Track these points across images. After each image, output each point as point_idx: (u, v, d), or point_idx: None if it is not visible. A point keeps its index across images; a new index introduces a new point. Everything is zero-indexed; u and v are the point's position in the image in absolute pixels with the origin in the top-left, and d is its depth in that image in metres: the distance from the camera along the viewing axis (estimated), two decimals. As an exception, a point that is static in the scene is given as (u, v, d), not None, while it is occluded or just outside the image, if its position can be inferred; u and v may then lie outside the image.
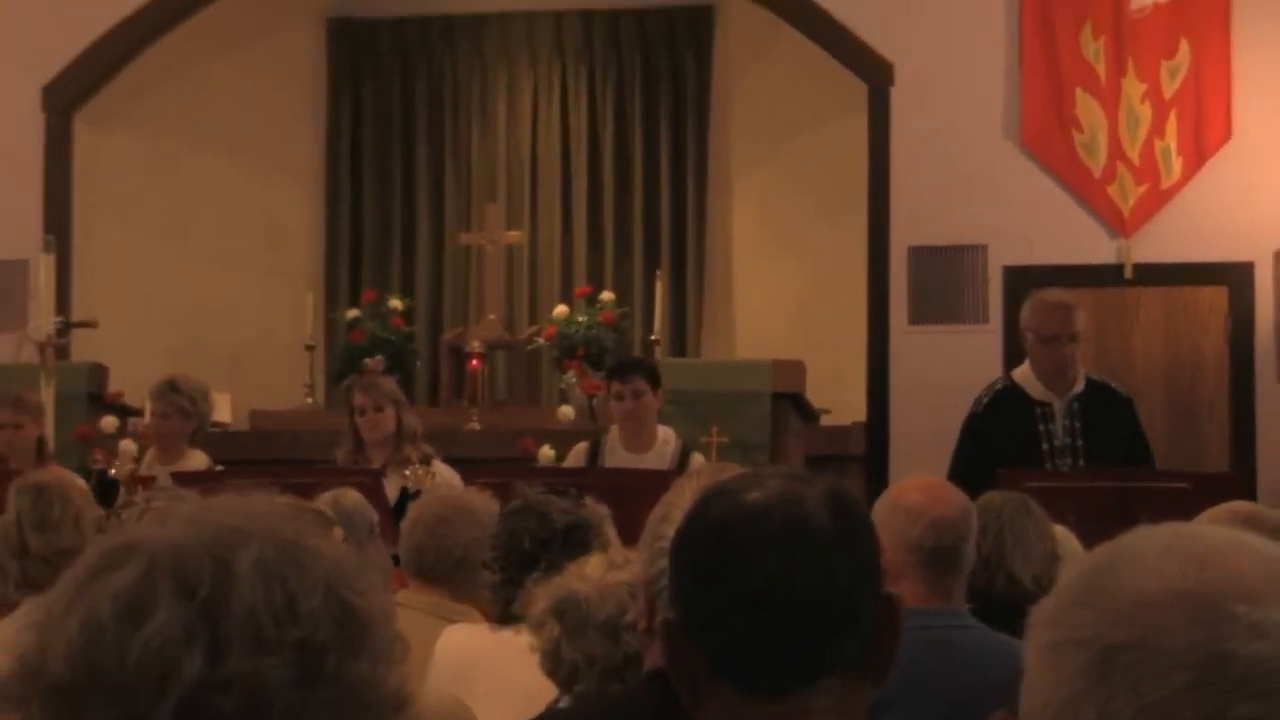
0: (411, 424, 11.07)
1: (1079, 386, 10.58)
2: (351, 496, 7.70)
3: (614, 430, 11.16)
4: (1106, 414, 10.60)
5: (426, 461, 10.74)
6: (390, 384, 11.63)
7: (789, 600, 2.68)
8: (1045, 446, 10.43)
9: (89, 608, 1.79)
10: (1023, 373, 10.73)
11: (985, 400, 10.78)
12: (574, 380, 14.49)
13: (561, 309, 15.17)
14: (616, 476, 10.01)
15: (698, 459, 10.70)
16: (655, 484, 9.21)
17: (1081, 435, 10.45)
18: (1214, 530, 1.65)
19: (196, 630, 1.76)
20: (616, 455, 10.94)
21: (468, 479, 10.45)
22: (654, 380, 11.04)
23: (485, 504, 7.13)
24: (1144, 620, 1.55)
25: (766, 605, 2.68)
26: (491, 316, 15.53)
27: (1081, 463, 10.34)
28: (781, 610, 2.69)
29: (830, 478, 2.96)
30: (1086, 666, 1.56)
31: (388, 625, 1.87)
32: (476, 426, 13.80)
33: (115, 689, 1.75)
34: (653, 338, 14.82)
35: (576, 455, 11.39)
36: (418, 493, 9.97)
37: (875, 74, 14.19)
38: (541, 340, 15.19)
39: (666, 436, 11.08)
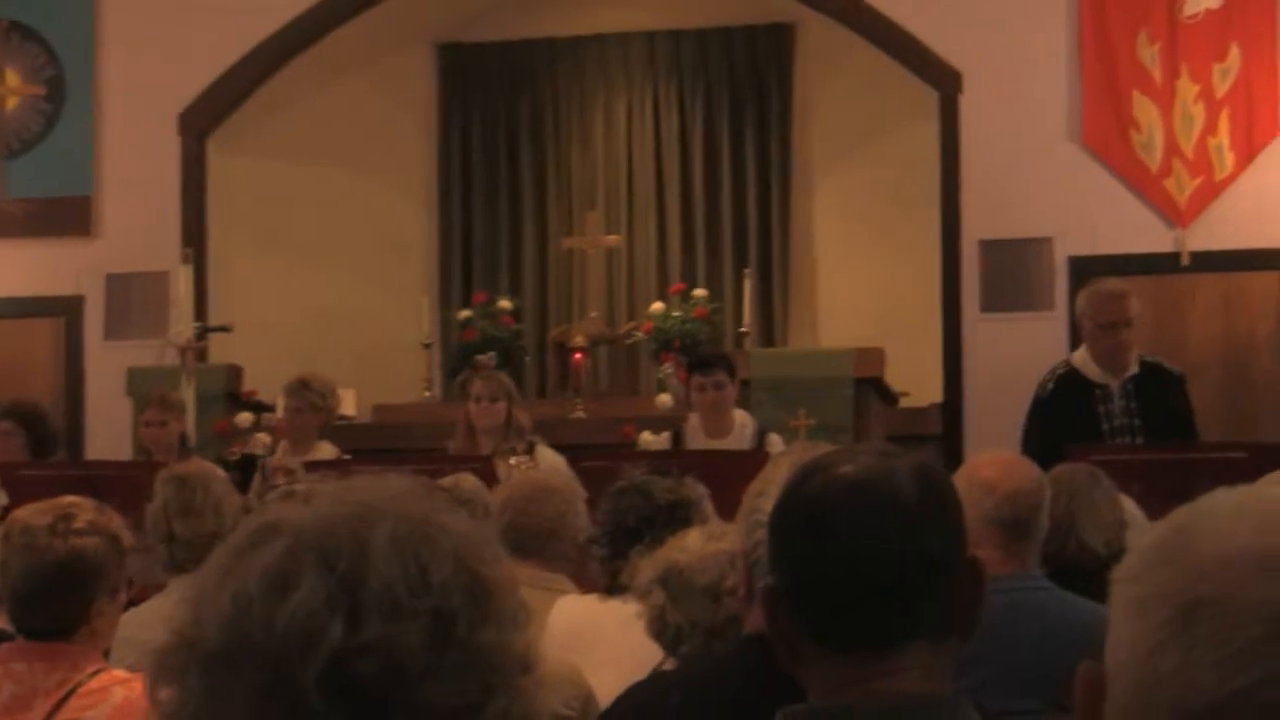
0: (520, 419, 11.16)
1: (1134, 369, 10.57)
2: (470, 481, 7.76)
3: (693, 418, 11.26)
4: (1160, 393, 10.58)
5: (530, 450, 10.80)
6: (506, 380, 11.70)
7: (880, 567, 2.69)
8: (1105, 426, 10.42)
9: (239, 582, 1.80)
10: (1081, 357, 10.73)
11: (1049, 385, 10.76)
12: (670, 371, 14.48)
13: (658, 306, 15.21)
14: (705, 457, 10.03)
15: (774, 439, 10.79)
16: (741, 463, 9.33)
17: (1138, 414, 10.43)
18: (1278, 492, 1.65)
19: (337, 601, 1.77)
20: (698, 440, 11.04)
21: (573, 463, 10.53)
22: (732, 373, 11.16)
23: (568, 483, 7.27)
24: (1221, 577, 1.56)
25: (859, 572, 2.69)
26: (593, 314, 15.56)
27: (1139, 440, 10.31)
28: (873, 577, 2.70)
29: (918, 452, 2.96)
30: (1169, 620, 1.57)
31: (512, 594, 1.88)
32: (581, 415, 13.84)
33: (264, 656, 1.76)
34: (742, 330, 14.78)
35: (660, 444, 11.50)
36: None
37: (945, 82, 14.16)
38: (640, 335, 15.23)
39: (744, 420, 11.15)
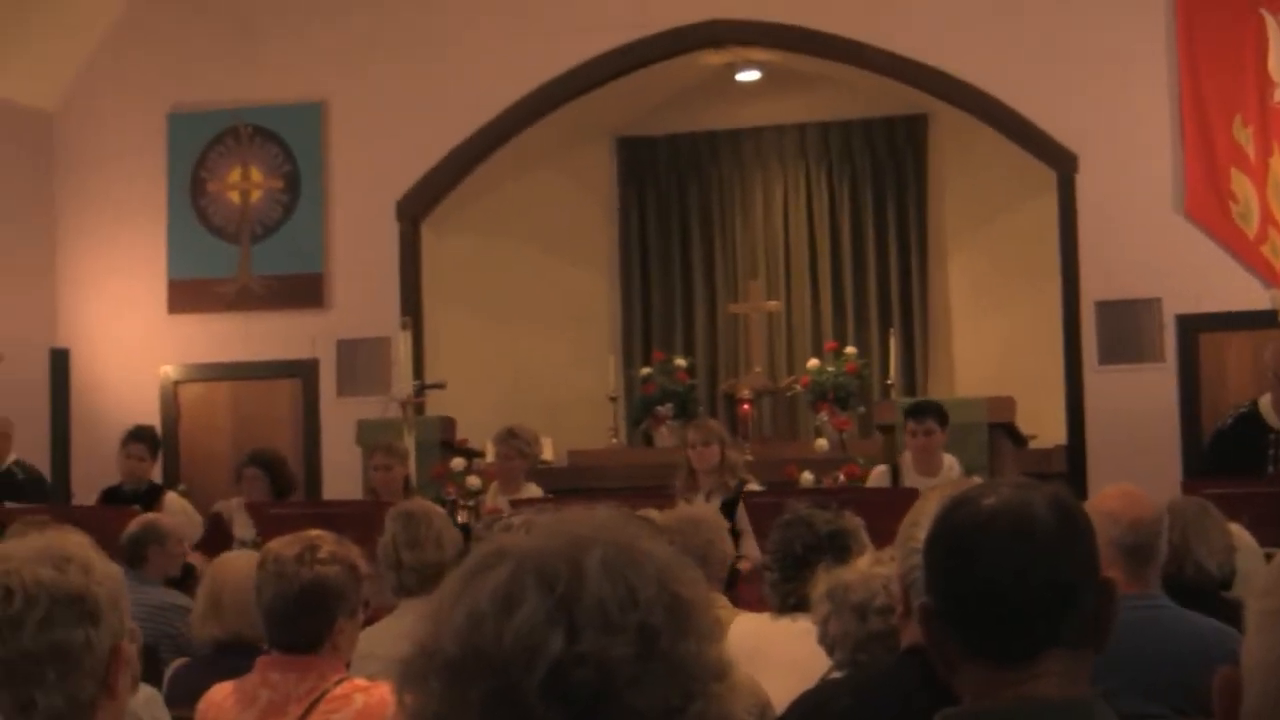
0: (733, 457, 11.20)
1: None
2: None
3: (907, 456, 11.23)
4: None
5: (739, 488, 10.81)
6: (718, 425, 11.72)
7: (1022, 589, 2.67)
8: (1270, 469, 10.27)
9: (472, 601, 1.83)
10: (1266, 402, 10.58)
11: (1229, 419, 10.72)
12: (825, 419, 14.49)
13: (813, 362, 15.19)
14: (855, 494, 10.02)
15: (974, 479, 10.71)
16: (888, 499, 9.30)
17: None
18: None
19: (556, 617, 1.79)
20: (910, 478, 10.97)
21: (744, 499, 10.55)
22: (942, 420, 11.14)
23: (713, 515, 7.50)
24: None
25: (1002, 595, 2.68)
26: (757, 369, 15.55)
27: None
28: (1016, 597, 2.68)
29: (1055, 484, 2.94)
30: None
31: (708, 610, 1.89)
32: (749, 458, 13.81)
33: (494, 665, 1.79)
34: (888, 382, 14.75)
35: (878, 476, 11.51)
36: None
37: (1063, 163, 14.08)
38: (798, 388, 15.22)
39: (950, 464, 11.12)
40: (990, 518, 2.72)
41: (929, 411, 11.29)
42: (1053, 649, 2.67)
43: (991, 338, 15.70)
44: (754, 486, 10.96)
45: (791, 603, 5.82)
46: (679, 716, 1.81)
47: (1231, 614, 3.69)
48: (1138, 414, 13.59)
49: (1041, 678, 2.66)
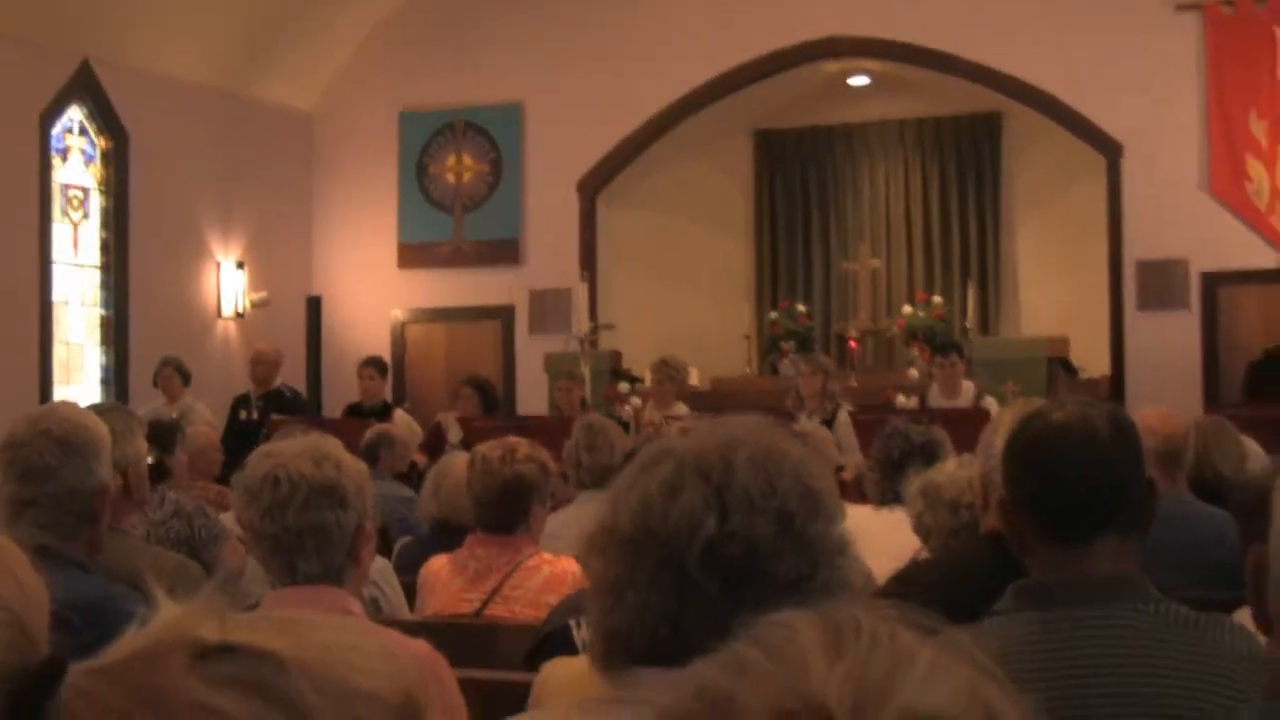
0: (833, 387, 11.16)
1: None
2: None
3: (934, 385, 11.42)
4: None
5: (835, 411, 10.81)
6: (826, 360, 11.77)
7: (1084, 484, 2.66)
8: None
9: (644, 489, 1.81)
10: None
11: (1261, 353, 10.82)
12: (917, 354, 14.41)
13: (907, 309, 15.13)
14: (944, 414, 9.97)
15: (990, 400, 10.86)
16: (964, 416, 9.26)
17: None
18: None
19: (711, 502, 1.78)
20: (937, 401, 11.16)
21: (852, 417, 10.51)
22: (961, 355, 11.44)
23: (822, 431, 7.30)
24: None
25: (1069, 488, 2.66)
26: (863, 315, 15.47)
27: None
28: (1079, 490, 2.67)
29: (1111, 403, 2.90)
30: None
31: (833, 498, 1.87)
32: (855, 385, 13.76)
33: (661, 540, 1.78)
34: (967, 325, 14.63)
35: (911, 404, 11.54)
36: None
37: (1110, 150, 13.96)
38: (895, 330, 15.15)
39: (968, 388, 11.19)
40: (1060, 427, 2.71)
41: (950, 348, 11.70)
42: (1106, 534, 2.66)
43: (1051, 290, 15.51)
44: (848, 409, 10.95)
45: (890, 498, 5.80)
46: (809, 583, 1.79)
47: (1240, 508, 3.67)
48: (1168, 351, 13.50)
49: (1097, 556, 2.65)
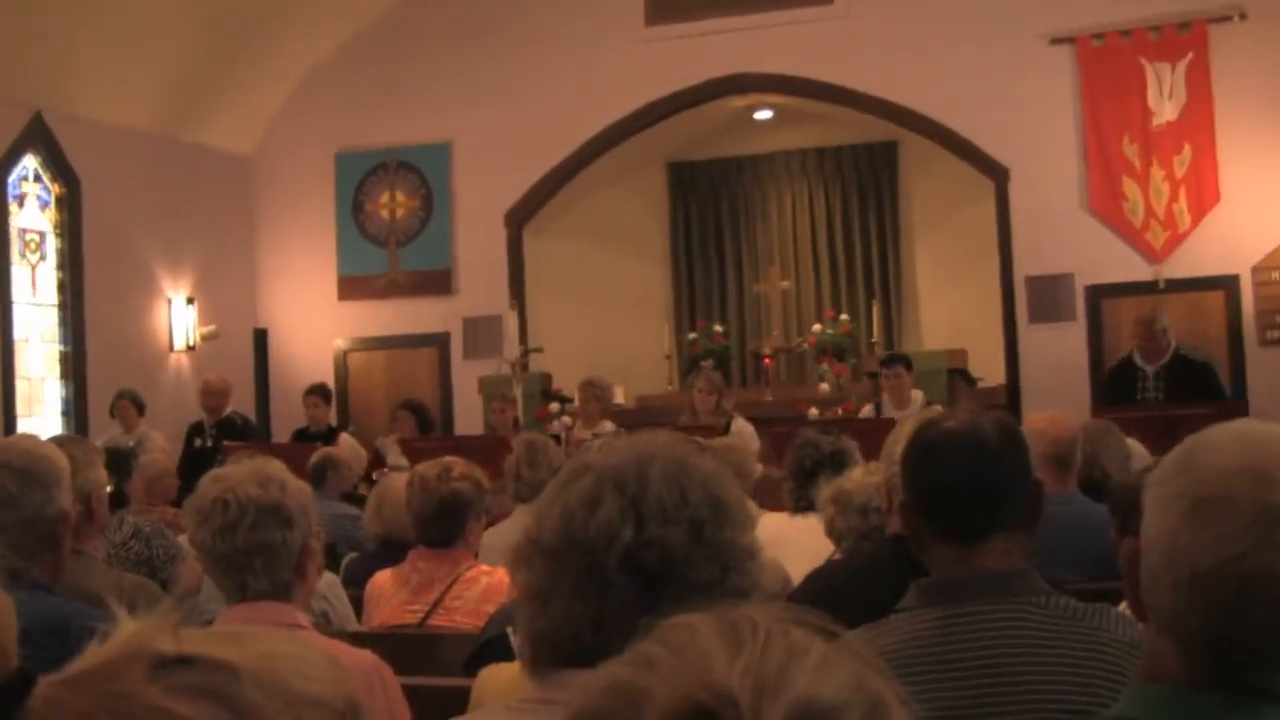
0: (725, 405, 11.17)
1: (1166, 359, 10.54)
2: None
3: (885, 395, 11.25)
4: (1188, 376, 10.49)
5: (729, 420, 10.82)
6: (717, 378, 11.70)
7: (974, 486, 2.68)
8: (1139, 399, 10.37)
9: (565, 502, 1.83)
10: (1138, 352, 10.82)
11: (1115, 364, 11.02)
12: (827, 369, 14.45)
13: (817, 326, 15.14)
14: (849, 423, 9.99)
15: (936, 407, 10.74)
16: (874, 426, 9.25)
17: (1164, 390, 10.38)
18: (1262, 425, 1.61)
19: (628, 514, 1.79)
20: (889, 410, 11.02)
21: (766, 429, 10.50)
22: (909, 366, 11.26)
23: (745, 443, 7.30)
24: (1220, 482, 1.52)
25: (959, 491, 2.68)
26: (775, 333, 15.51)
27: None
28: (970, 493, 2.68)
29: (998, 411, 2.92)
30: (1183, 511, 1.54)
31: (742, 507, 1.88)
32: (769, 399, 13.82)
33: (582, 549, 1.79)
34: (873, 340, 14.73)
35: (867, 410, 11.54)
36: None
37: (998, 174, 14.04)
38: (806, 346, 15.17)
39: (917, 396, 11.14)
40: (951, 435, 2.73)
41: (897, 361, 11.44)
42: (997, 532, 2.67)
43: (949, 305, 15.64)
44: (739, 420, 10.97)
45: (803, 505, 5.81)
46: (721, 586, 1.80)
47: (1117, 506, 3.72)
48: (1058, 359, 13.59)
49: (989, 554, 2.66)
